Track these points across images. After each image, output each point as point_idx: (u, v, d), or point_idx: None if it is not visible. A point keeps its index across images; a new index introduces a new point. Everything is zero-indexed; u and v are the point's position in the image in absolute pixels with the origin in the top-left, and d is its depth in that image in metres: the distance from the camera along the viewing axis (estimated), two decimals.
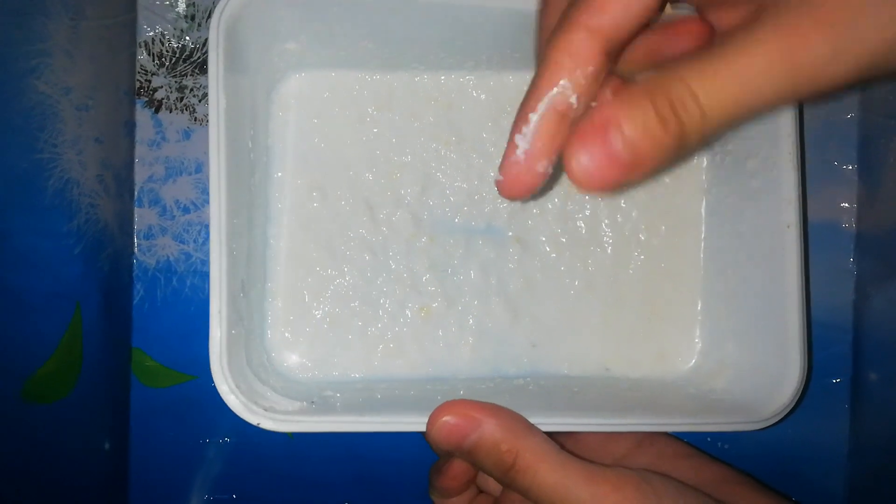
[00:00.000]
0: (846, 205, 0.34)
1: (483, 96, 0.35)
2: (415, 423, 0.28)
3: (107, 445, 0.36)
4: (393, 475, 0.36)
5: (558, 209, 0.35)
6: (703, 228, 0.34)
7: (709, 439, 0.35)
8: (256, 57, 0.32)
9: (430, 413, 0.27)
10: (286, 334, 0.34)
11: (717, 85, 0.19)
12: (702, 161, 0.34)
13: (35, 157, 0.35)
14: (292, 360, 0.34)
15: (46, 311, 0.34)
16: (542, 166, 0.21)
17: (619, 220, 0.34)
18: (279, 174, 0.35)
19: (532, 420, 0.27)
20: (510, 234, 0.35)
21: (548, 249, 0.35)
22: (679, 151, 0.20)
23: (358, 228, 0.35)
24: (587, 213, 0.34)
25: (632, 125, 0.19)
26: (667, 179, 0.34)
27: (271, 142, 0.35)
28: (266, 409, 0.29)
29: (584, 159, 0.19)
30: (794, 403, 0.29)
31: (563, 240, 0.34)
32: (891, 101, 0.33)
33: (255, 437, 0.36)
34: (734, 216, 0.32)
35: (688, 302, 0.34)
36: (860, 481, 0.34)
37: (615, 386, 0.34)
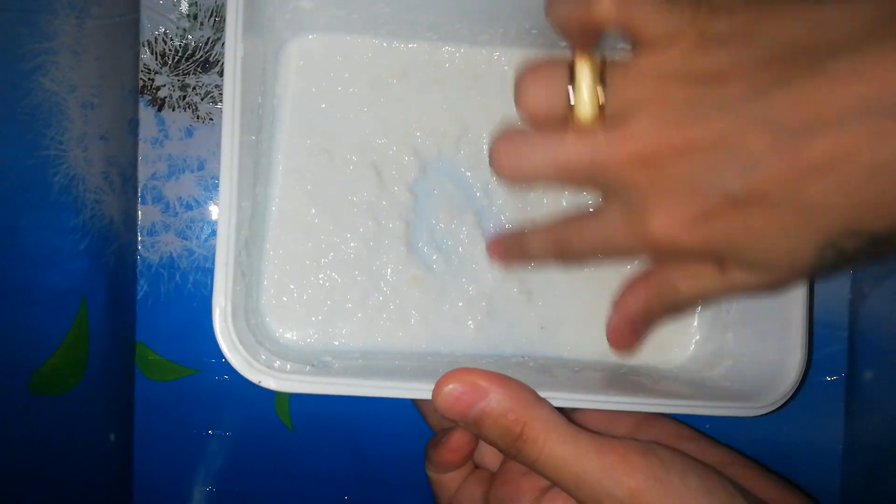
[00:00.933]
0: None
1: (503, 69, 0.34)
2: (416, 389, 0.28)
3: (112, 437, 0.37)
4: (392, 470, 0.37)
5: (571, 197, 0.34)
6: None
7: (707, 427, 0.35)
8: (271, 11, 0.31)
9: (431, 381, 0.26)
10: (284, 299, 0.33)
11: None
12: None
13: (41, 153, 0.35)
14: (289, 326, 0.33)
15: (53, 306, 0.35)
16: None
17: None
18: (285, 135, 0.34)
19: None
20: (525, 215, 0.34)
21: None
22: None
23: (363, 193, 0.34)
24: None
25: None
26: None
27: (277, 102, 0.34)
28: (268, 367, 0.28)
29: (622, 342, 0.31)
30: (795, 389, 0.29)
31: None
32: None
33: (257, 431, 0.37)
34: None
35: None
36: (854, 479, 0.34)
37: (615, 371, 0.33)
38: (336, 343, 0.33)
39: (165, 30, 0.36)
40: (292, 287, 0.33)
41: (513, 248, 0.32)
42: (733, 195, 0.22)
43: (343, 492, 0.37)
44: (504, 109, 0.34)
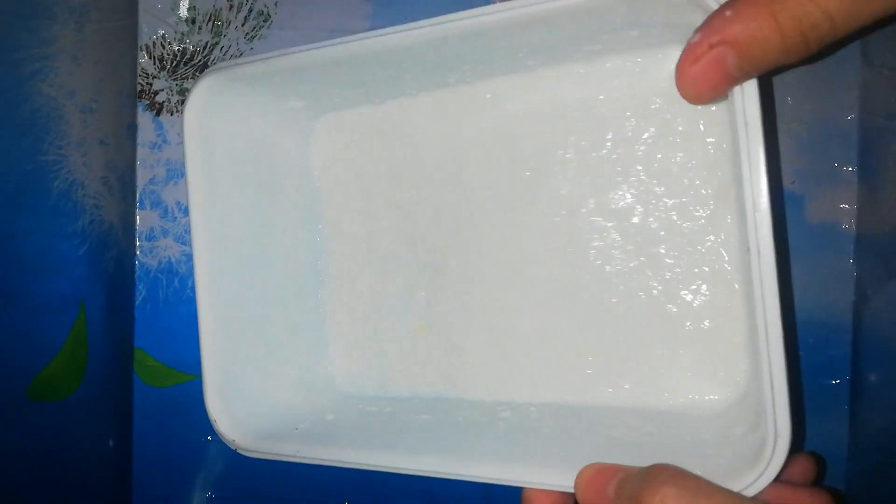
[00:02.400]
0: (846, 206, 0.34)
1: (477, 105, 0.33)
2: (388, 465, 0.28)
3: (111, 443, 0.37)
4: (393, 475, 0.37)
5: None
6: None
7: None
8: (257, 122, 0.33)
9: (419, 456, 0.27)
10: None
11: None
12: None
13: (41, 158, 0.35)
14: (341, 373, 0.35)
15: (52, 311, 0.35)
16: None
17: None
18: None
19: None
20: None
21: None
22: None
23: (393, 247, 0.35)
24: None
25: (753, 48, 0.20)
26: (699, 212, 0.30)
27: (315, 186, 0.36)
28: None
29: (694, 76, 0.21)
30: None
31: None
32: (892, 102, 0.33)
33: None
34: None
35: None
36: (859, 483, 0.34)
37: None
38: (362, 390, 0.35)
39: (164, 34, 0.36)
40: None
41: None
42: None
43: (343, 497, 0.37)
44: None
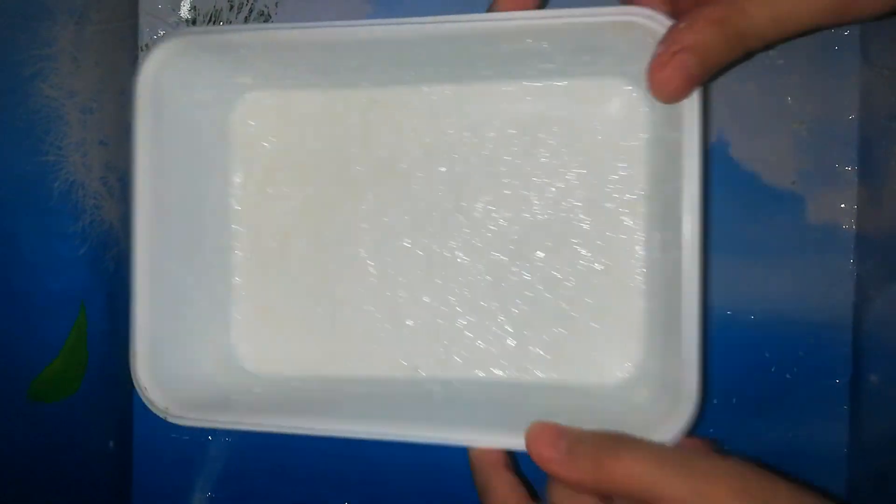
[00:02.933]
0: (846, 206, 0.34)
1: (423, 108, 0.34)
2: (329, 429, 0.29)
3: (111, 444, 0.37)
4: (393, 475, 0.37)
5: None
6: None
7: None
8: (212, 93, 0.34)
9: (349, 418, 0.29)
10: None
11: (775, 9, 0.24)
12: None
13: (41, 159, 0.35)
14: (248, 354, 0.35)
15: (52, 312, 0.35)
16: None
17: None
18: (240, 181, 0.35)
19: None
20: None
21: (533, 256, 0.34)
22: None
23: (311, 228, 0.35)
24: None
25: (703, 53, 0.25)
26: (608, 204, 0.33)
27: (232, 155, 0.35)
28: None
29: (664, 79, 0.26)
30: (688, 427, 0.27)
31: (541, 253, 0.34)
32: (892, 102, 0.33)
33: (257, 436, 0.36)
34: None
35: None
36: (860, 483, 0.34)
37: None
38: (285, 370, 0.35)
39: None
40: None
41: None
42: None
43: (344, 496, 0.37)
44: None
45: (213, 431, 0.37)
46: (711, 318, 0.34)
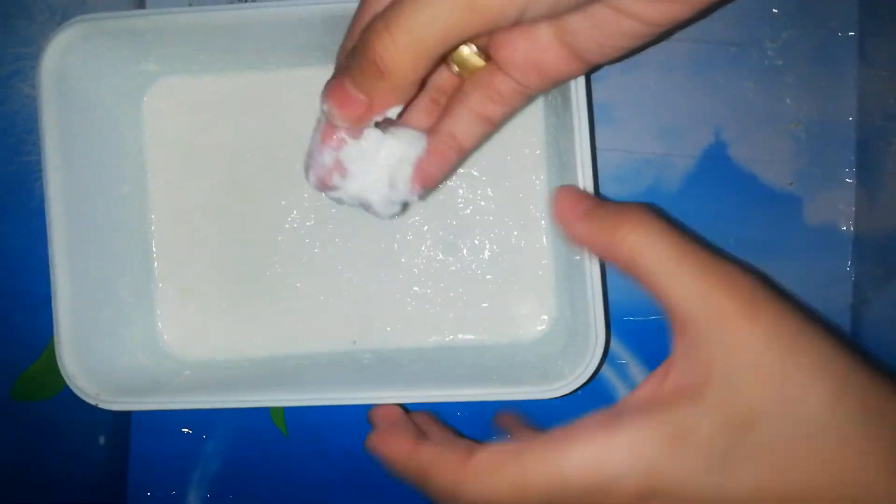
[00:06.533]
0: (844, 207, 0.34)
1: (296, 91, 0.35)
2: (258, 400, 0.30)
3: (101, 440, 0.36)
4: (387, 476, 0.36)
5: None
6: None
7: None
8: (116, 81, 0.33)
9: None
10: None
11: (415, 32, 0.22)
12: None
13: (23, 159, 0.35)
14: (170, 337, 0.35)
15: (35, 312, 0.35)
16: None
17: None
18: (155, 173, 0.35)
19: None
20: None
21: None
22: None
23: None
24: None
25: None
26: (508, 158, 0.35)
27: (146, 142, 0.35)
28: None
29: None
30: (587, 376, 0.29)
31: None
32: (890, 104, 0.33)
33: (253, 437, 0.36)
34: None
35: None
36: None
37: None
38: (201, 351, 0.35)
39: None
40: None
41: None
42: None
43: (338, 497, 0.36)
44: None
45: (210, 431, 0.36)
46: None
